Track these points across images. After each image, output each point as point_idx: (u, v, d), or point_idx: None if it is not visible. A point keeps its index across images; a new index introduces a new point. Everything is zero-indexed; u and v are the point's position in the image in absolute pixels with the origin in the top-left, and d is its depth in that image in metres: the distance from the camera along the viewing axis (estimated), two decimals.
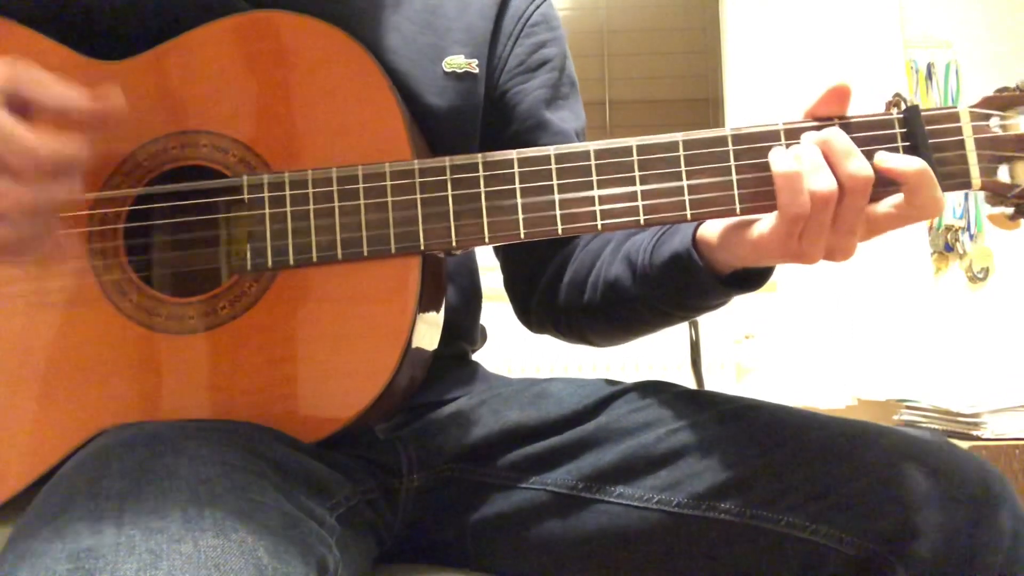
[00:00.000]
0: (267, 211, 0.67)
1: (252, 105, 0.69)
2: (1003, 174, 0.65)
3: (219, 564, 0.45)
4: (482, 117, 0.85)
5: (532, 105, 0.86)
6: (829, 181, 0.61)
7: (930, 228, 2.55)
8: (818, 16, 2.54)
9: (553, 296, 0.87)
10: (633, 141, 0.66)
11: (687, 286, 0.72)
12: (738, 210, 0.65)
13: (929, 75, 2.58)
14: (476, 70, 0.83)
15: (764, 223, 0.64)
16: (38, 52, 0.71)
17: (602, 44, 2.87)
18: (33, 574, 0.44)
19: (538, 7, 0.89)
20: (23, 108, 0.57)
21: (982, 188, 0.65)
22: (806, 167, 0.62)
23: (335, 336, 0.66)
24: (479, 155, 0.67)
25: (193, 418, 0.64)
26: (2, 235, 0.57)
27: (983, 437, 1.90)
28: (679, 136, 0.66)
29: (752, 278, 0.71)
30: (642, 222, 0.66)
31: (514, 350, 2.19)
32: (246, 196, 0.67)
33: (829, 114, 0.66)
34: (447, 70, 0.81)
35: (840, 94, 0.65)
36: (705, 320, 2.28)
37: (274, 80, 0.70)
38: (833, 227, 0.62)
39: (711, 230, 0.69)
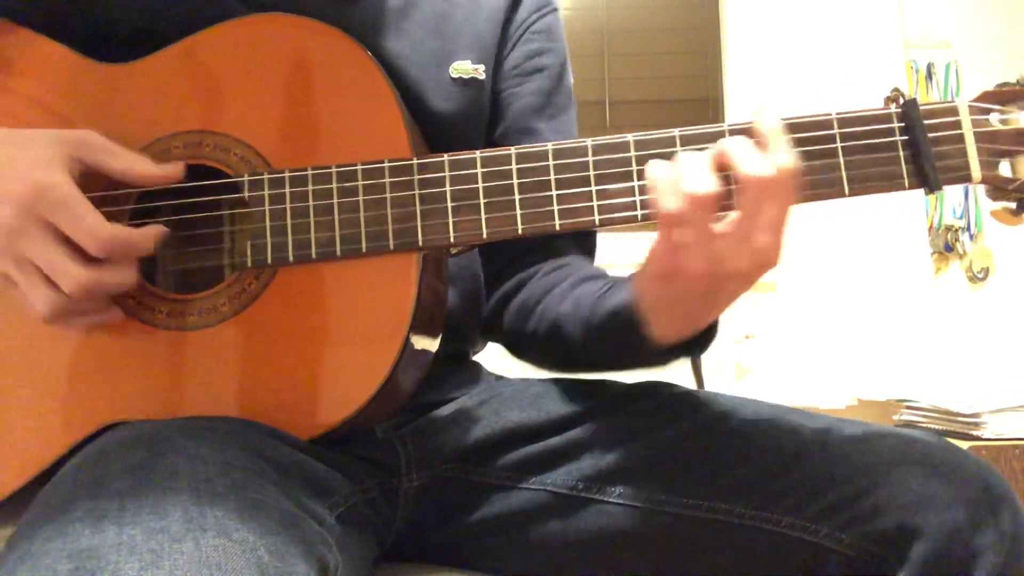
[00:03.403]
0: (267, 208, 0.68)
1: (254, 106, 0.70)
2: (1005, 169, 0.65)
3: (220, 563, 0.45)
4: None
5: (521, 110, 0.87)
6: (706, 183, 0.59)
7: (930, 228, 2.55)
8: (818, 16, 2.54)
9: (501, 314, 0.87)
10: (631, 137, 0.66)
11: (625, 344, 0.70)
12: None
13: (929, 75, 2.58)
14: (482, 76, 0.84)
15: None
16: (43, 55, 0.73)
17: (602, 44, 2.87)
18: (34, 574, 0.44)
19: (542, 16, 0.90)
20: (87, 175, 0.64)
21: (982, 181, 0.65)
22: (682, 169, 0.60)
23: (333, 333, 0.66)
24: (477, 152, 0.68)
25: (193, 413, 0.65)
26: (56, 305, 0.63)
27: (983, 437, 1.90)
28: (676, 132, 0.66)
29: (695, 342, 0.70)
30: (639, 218, 0.66)
31: None
32: (247, 194, 0.68)
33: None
34: (454, 76, 0.82)
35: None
36: None
37: (276, 81, 0.70)
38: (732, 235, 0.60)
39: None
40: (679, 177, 0.60)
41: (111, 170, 0.65)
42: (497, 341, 0.91)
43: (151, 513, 0.47)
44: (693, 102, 2.86)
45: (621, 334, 0.69)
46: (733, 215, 0.60)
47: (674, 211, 0.59)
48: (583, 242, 0.89)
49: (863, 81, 2.46)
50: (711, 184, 0.59)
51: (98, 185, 0.69)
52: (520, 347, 0.87)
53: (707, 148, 0.64)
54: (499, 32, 0.87)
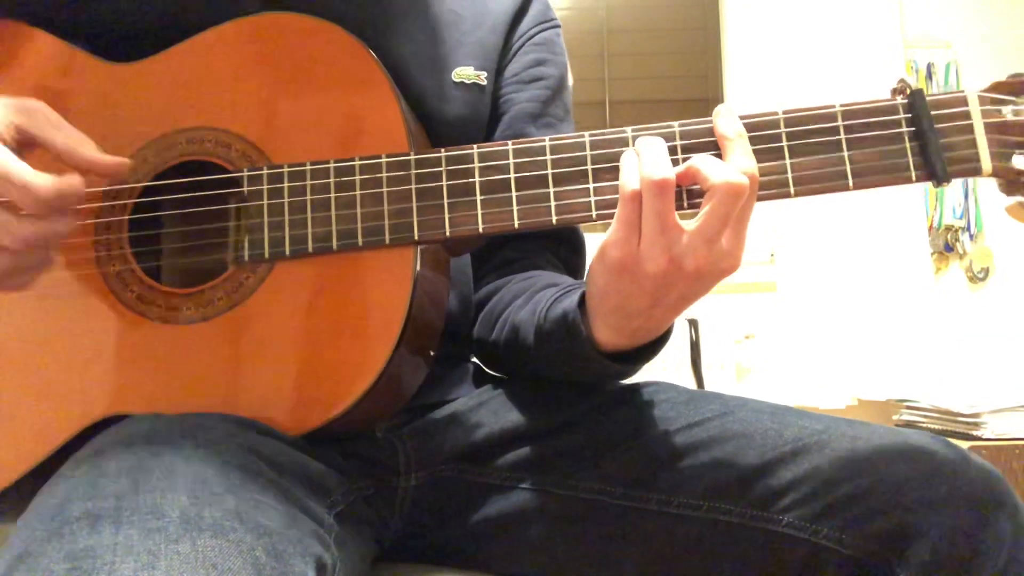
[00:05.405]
0: (265, 202, 0.68)
1: (256, 102, 0.71)
2: (1019, 162, 0.63)
3: (217, 564, 0.45)
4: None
5: (517, 115, 0.87)
6: (662, 169, 0.61)
7: (930, 228, 2.55)
8: (818, 16, 2.54)
9: (473, 323, 0.87)
10: (629, 131, 0.66)
11: (571, 350, 0.70)
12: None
13: (929, 75, 2.59)
14: (484, 82, 0.85)
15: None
16: (52, 55, 0.74)
17: (602, 44, 2.87)
18: (31, 574, 0.44)
19: (543, 30, 0.91)
20: (30, 146, 0.63)
21: (994, 174, 0.64)
22: (645, 153, 0.62)
23: (329, 327, 0.66)
24: (474, 146, 0.68)
25: (187, 406, 0.65)
26: (2, 265, 0.62)
27: (983, 437, 1.89)
28: (675, 125, 0.66)
29: (641, 352, 0.70)
30: None
31: None
32: (246, 188, 0.68)
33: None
34: (456, 80, 0.83)
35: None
36: (705, 320, 2.28)
37: (278, 78, 0.71)
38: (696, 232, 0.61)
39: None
40: (641, 160, 0.61)
41: (53, 144, 0.63)
42: (472, 351, 0.91)
43: (148, 513, 0.47)
44: (693, 102, 2.86)
45: (567, 338, 0.69)
46: (701, 214, 0.60)
47: (632, 191, 0.61)
48: (564, 256, 0.89)
49: (863, 81, 2.46)
50: (668, 171, 0.60)
51: (102, 181, 0.69)
52: (488, 356, 0.88)
53: (703, 141, 0.65)
54: (502, 42, 0.88)
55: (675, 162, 0.63)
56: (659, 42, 2.89)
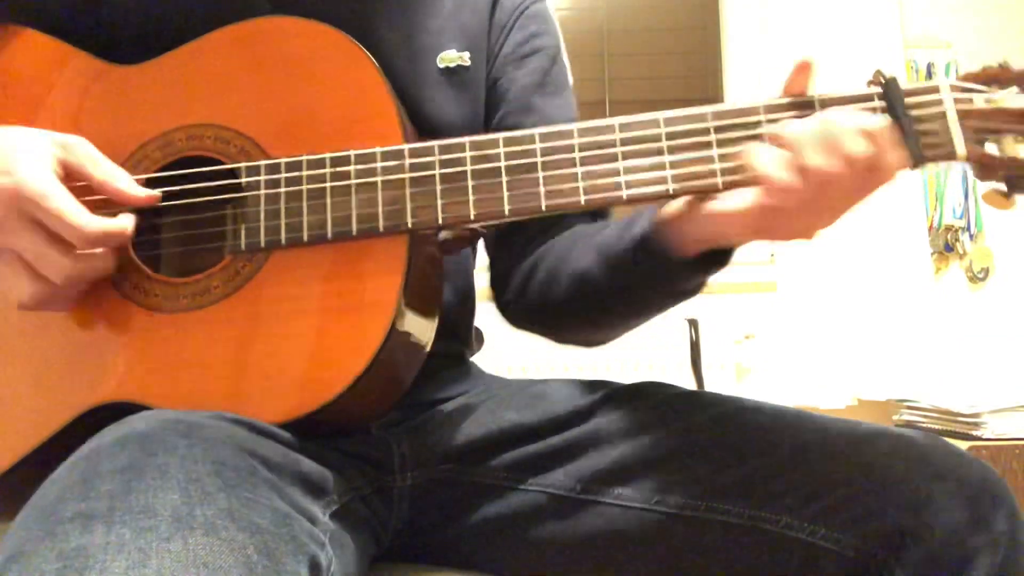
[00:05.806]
0: (262, 193, 0.69)
1: (255, 100, 0.73)
2: (992, 148, 0.66)
3: (208, 562, 0.45)
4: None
5: (521, 90, 0.88)
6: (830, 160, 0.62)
7: (930, 228, 2.55)
8: (818, 16, 2.54)
9: (524, 291, 0.86)
10: (616, 120, 0.68)
11: (652, 269, 0.71)
12: (720, 185, 0.66)
13: (929, 75, 2.58)
14: (467, 62, 0.86)
15: (737, 198, 0.65)
16: (59, 59, 0.76)
17: (602, 44, 2.87)
18: (23, 574, 0.44)
19: (534, 2, 0.92)
20: (69, 179, 0.66)
21: (968, 159, 0.66)
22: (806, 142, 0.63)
23: (325, 312, 0.67)
24: (466, 138, 0.69)
25: (182, 393, 0.66)
26: (40, 293, 0.65)
27: (983, 437, 1.89)
28: (660, 115, 0.68)
29: (717, 257, 0.71)
30: (624, 198, 0.67)
31: (511, 351, 2.19)
32: (243, 180, 0.70)
33: (800, 88, 0.68)
34: (441, 66, 0.84)
35: (803, 68, 0.68)
36: (705, 320, 2.28)
37: (276, 78, 0.73)
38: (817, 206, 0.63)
39: (674, 207, 0.69)
40: (799, 150, 0.62)
41: (91, 178, 0.67)
42: (527, 326, 0.89)
43: (140, 513, 0.47)
44: (693, 102, 2.85)
45: (647, 259, 0.71)
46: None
47: (785, 184, 0.62)
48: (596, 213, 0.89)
49: (863, 81, 2.46)
50: (834, 163, 0.62)
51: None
52: (549, 318, 0.86)
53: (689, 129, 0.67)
54: (486, 23, 0.89)
55: (660, 151, 0.67)
56: (659, 42, 2.89)
